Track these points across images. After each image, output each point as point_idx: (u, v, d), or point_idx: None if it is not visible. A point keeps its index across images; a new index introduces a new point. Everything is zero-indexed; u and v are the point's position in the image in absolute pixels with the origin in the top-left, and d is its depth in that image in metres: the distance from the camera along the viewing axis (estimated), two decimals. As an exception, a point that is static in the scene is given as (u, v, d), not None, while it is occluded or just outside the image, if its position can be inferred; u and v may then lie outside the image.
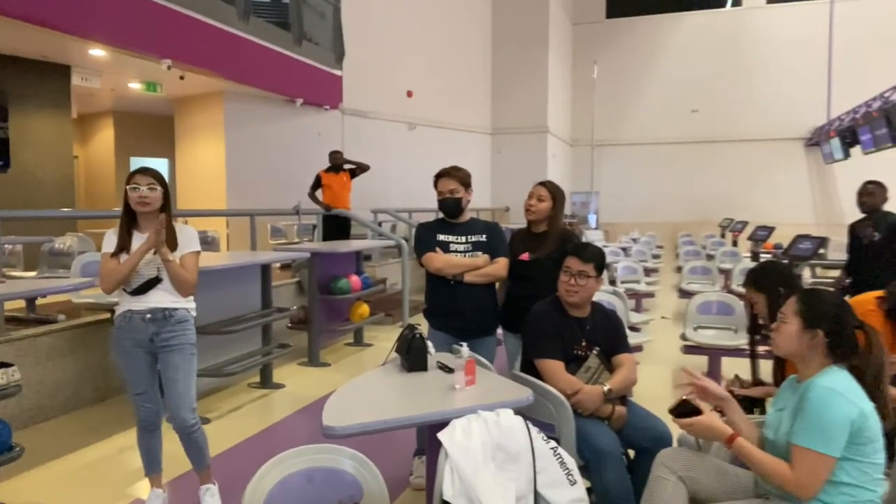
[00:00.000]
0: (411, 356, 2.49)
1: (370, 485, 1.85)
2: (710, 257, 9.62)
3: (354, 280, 5.96)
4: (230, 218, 9.60)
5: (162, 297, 2.71)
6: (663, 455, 2.13)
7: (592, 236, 12.00)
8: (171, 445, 2.92)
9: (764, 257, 8.16)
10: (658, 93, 18.94)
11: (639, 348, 4.58)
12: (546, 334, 2.66)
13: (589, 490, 2.19)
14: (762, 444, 1.99)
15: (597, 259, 2.72)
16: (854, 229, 4.83)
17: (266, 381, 4.94)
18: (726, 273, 8.29)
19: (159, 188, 2.67)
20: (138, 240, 2.68)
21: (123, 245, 2.68)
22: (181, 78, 8.67)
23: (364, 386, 2.38)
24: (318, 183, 7.91)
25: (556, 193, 3.27)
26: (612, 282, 7.00)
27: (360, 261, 6.62)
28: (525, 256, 3.23)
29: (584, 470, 2.33)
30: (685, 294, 7.13)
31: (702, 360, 4.88)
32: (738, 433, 1.94)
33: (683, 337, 4.83)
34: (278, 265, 7.15)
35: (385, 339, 6.44)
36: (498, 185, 16.54)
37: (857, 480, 1.77)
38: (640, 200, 18.83)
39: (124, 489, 3.15)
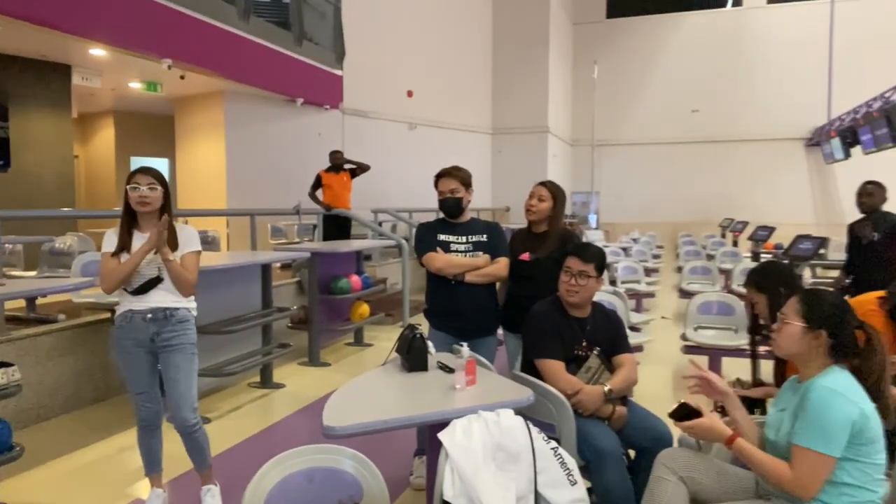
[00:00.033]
0: (412, 356, 2.49)
1: (370, 485, 1.85)
2: (710, 257, 9.61)
3: (355, 280, 5.96)
4: (230, 218, 9.60)
5: (163, 297, 2.71)
6: (664, 455, 2.13)
7: (593, 236, 12.01)
8: (172, 445, 2.92)
9: (764, 257, 8.16)
10: (658, 93, 18.94)
11: (639, 348, 4.58)
12: (546, 334, 2.66)
13: (589, 490, 2.19)
14: (763, 443, 1.99)
15: (597, 259, 2.72)
16: (853, 229, 4.84)
17: (266, 381, 4.94)
18: (727, 273, 8.29)
19: (160, 188, 2.67)
20: (139, 239, 2.67)
21: (124, 245, 2.67)
22: (182, 78, 8.68)
23: (364, 386, 2.38)
24: (318, 183, 7.91)
25: (556, 193, 3.26)
26: (613, 282, 7.00)
27: (361, 261, 6.62)
28: (525, 256, 3.22)
29: (585, 470, 2.33)
30: (685, 294, 7.13)
31: (702, 361, 4.86)
32: (737, 434, 1.94)
33: (684, 337, 4.83)
34: (278, 265, 7.15)
35: (385, 339, 6.44)
36: (498, 185, 16.55)
37: (859, 481, 1.77)
38: (640, 200, 18.84)
39: (124, 489, 3.15)
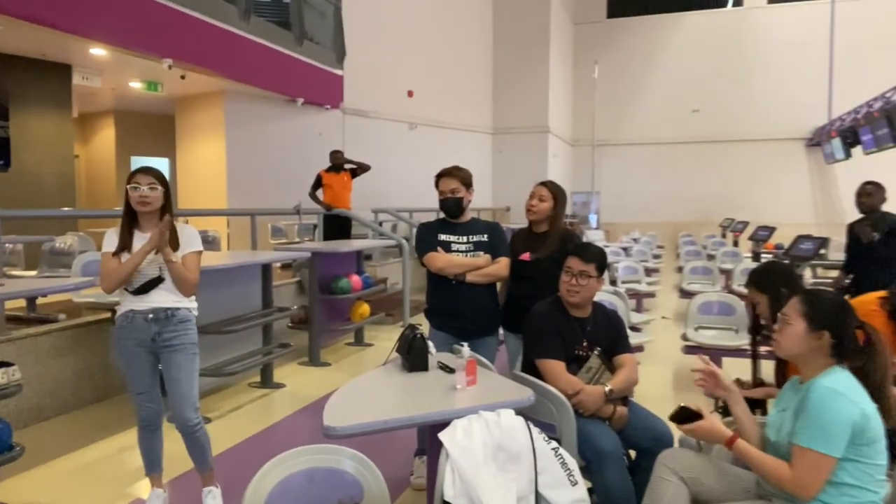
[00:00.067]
0: (412, 356, 2.49)
1: (371, 485, 1.85)
2: (710, 257, 9.61)
3: (355, 280, 5.96)
4: (231, 217, 9.60)
5: (164, 297, 2.70)
6: (665, 456, 2.13)
7: (593, 236, 12.01)
8: (172, 445, 2.91)
9: (765, 258, 8.15)
10: (659, 93, 18.94)
11: (640, 348, 4.57)
12: (547, 334, 2.66)
13: (590, 490, 2.19)
14: (764, 442, 1.99)
15: (598, 259, 2.71)
16: (853, 229, 4.84)
17: (266, 381, 4.94)
18: (727, 273, 8.28)
19: (160, 188, 2.66)
20: (139, 239, 2.67)
21: (125, 245, 2.67)
22: (182, 77, 8.68)
23: (365, 386, 2.38)
24: (318, 182, 7.91)
25: (557, 193, 3.26)
26: (613, 282, 7.00)
27: (361, 260, 6.61)
28: (526, 256, 3.22)
29: (586, 470, 2.32)
30: (686, 294, 7.13)
31: (695, 367, 4.86)
32: (738, 435, 1.94)
33: (684, 337, 4.83)
34: (279, 265, 7.14)
35: (386, 338, 6.44)
36: (499, 185, 16.54)
37: (860, 481, 1.77)
38: (640, 200, 18.84)
39: (124, 489, 3.15)
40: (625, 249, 9.86)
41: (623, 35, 19.20)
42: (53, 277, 5.23)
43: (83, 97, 10.32)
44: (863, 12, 17.13)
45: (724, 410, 2.51)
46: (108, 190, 12.31)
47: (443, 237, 3.18)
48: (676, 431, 2.18)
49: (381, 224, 9.50)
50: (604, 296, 4.26)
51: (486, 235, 3.22)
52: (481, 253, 3.17)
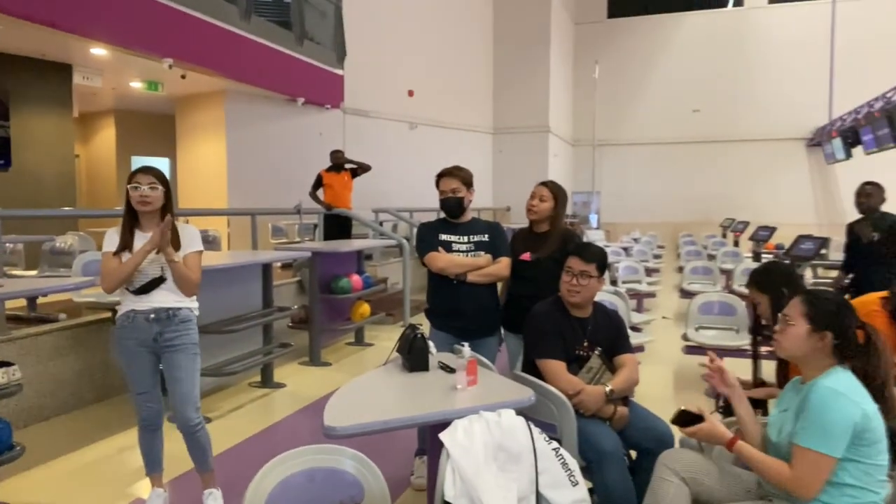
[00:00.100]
0: (413, 356, 2.48)
1: (371, 485, 1.85)
2: (711, 257, 9.61)
3: (355, 279, 5.95)
4: (231, 217, 9.60)
5: (165, 297, 2.70)
6: (666, 456, 2.13)
7: (594, 236, 12.01)
8: (172, 445, 2.91)
9: (766, 258, 8.15)
10: (659, 92, 18.94)
11: (640, 348, 4.57)
12: (548, 334, 2.66)
13: (591, 491, 2.19)
14: (765, 442, 1.99)
15: (599, 259, 2.71)
16: (853, 229, 4.84)
17: (267, 381, 4.94)
18: (728, 273, 8.28)
19: (161, 187, 2.66)
20: (140, 239, 2.67)
21: (126, 244, 2.67)
22: (183, 77, 8.68)
23: (365, 386, 2.38)
24: (319, 182, 7.91)
25: (557, 193, 3.26)
26: (614, 282, 7.00)
27: (362, 260, 6.61)
28: (526, 256, 3.22)
29: (586, 471, 2.32)
30: (686, 294, 7.12)
31: (703, 361, 4.87)
32: (738, 436, 1.94)
33: (685, 337, 4.83)
34: (279, 264, 7.14)
35: (386, 338, 6.44)
36: (499, 185, 16.54)
37: (861, 482, 1.77)
38: (641, 200, 18.84)
39: (125, 489, 3.15)
40: (625, 249, 9.86)
41: (623, 35, 19.20)
42: (54, 277, 5.23)
43: (84, 97, 10.32)
44: (863, 12, 17.13)
45: (725, 411, 2.51)
46: (109, 190, 12.31)
47: (444, 237, 3.18)
48: (677, 432, 2.18)
49: (381, 224, 9.49)
50: (604, 296, 4.26)
51: (486, 235, 3.22)
52: (482, 253, 3.17)
